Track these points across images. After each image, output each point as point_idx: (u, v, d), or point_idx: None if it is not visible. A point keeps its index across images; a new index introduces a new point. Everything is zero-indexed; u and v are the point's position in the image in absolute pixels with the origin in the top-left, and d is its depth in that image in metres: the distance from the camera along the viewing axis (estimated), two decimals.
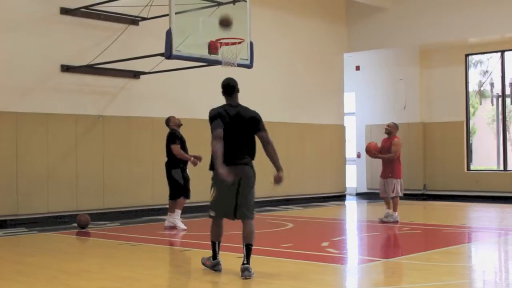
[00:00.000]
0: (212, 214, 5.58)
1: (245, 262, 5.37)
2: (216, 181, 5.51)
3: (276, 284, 5.13)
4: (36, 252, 7.31)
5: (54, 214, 10.53)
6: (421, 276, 5.58)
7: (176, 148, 9.21)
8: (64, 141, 10.70)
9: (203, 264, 5.77)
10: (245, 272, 5.30)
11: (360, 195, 16.73)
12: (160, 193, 11.82)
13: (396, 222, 9.81)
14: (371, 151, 10.15)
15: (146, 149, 11.75)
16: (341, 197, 15.70)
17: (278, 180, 5.55)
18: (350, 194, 16.62)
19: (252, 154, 5.60)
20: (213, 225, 5.65)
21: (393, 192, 9.90)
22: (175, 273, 5.81)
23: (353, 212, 13.30)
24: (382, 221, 9.92)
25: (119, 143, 11.40)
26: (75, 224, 9.72)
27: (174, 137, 9.28)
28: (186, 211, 10.34)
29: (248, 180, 5.52)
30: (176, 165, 9.25)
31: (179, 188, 9.27)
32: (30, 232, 9.24)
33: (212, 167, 5.51)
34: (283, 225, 9.72)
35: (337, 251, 7.12)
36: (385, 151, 10.03)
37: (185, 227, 9.18)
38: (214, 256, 5.65)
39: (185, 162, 9.30)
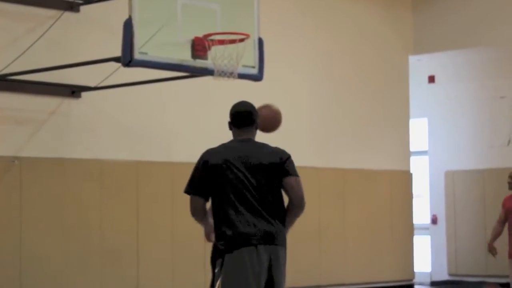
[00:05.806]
0: None
1: None
2: (225, 271, 5.65)
3: None
4: None
5: None
6: None
7: None
8: None
9: None
10: None
11: (437, 286, 16.75)
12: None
13: None
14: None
15: (90, 211, 11.70)
16: None
17: None
18: (421, 284, 16.69)
19: (282, 219, 5.74)
20: None
21: None
22: None
23: None
24: None
25: (46, 202, 11.33)
26: None
27: None
28: None
29: (279, 268, 5.71)
30: None
31: None
32: None
33: (214, 253, 5.86)
34: None
35: None
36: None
37: None
38: None
39: None
